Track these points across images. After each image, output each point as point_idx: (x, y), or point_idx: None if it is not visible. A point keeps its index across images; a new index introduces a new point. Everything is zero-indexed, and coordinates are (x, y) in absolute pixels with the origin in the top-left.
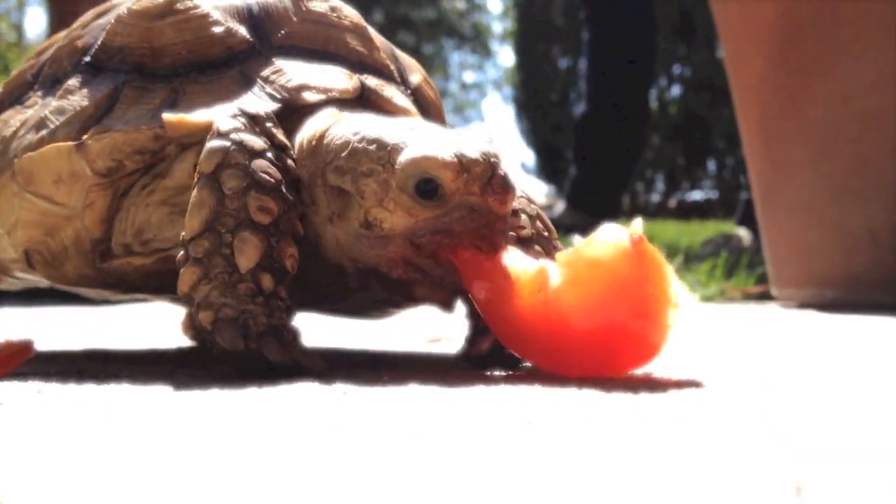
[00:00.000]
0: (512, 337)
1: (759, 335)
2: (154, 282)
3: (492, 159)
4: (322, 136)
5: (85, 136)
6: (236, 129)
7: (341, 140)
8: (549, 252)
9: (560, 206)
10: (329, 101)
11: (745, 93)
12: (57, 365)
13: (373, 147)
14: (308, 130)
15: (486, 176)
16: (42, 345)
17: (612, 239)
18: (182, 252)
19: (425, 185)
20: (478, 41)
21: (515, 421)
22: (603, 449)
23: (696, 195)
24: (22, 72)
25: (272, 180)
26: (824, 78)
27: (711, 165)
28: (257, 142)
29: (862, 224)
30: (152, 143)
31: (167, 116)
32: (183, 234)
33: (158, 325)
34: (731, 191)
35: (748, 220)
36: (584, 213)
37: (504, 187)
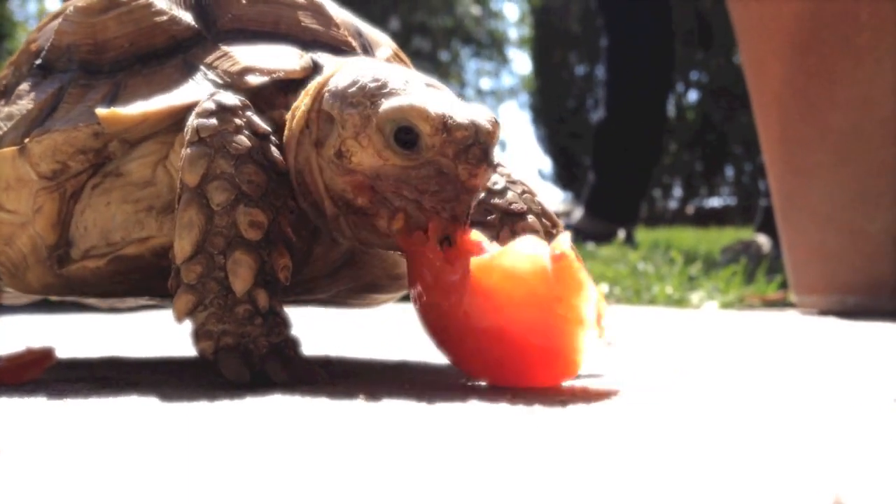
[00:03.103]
0: (439, 339)
1: (779, 343)
2: (117, 283)
3: (481, 131)
4: (331, 75)
5: (26, 140)
6: (217, 130)
7: (349, 73)
8: None
9: (578, 213)
10: (276, 82)
11: (764, 98)
12: (77, 372)
13: (372, 84)
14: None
15: (465, 142)
16: (62, 352)
17: (530, 252)
18: (173, 274)
19: (404, 133)
20: (494, 48)
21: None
22: (636, 465)
23: (714, 202)
24: None
25: (260, 188)
26: (844, 82)
27: (729, 172)
28: (242, 141)
29: (884, 229)
30: (93, 140)
31: (100, 112)
32: (172, 254)
33: (177, 331)
34: (750, 197)
35: (767, 226)
36: (602, 219)
37: (479, 160)
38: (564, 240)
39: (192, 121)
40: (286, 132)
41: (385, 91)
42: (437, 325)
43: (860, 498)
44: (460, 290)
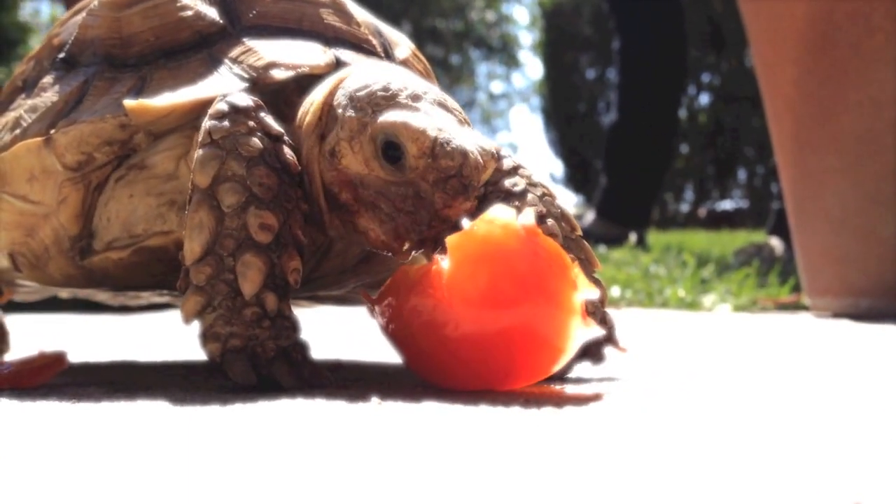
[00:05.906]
0: (398, 342)
1: (793, 346)
2: (138, 275)
3: (468, 165)
4: (351, 73)
5: (52, 131)
6: (229, 132)
7: (364, 76)
8: (583, 259)
9: (590, 217)
10: (299, 83)
11: (776, 100)
12: (89, 376)
13: (381, 92)
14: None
15: (448, 172)
16: (74, 356)
17: (502, 217)
18: (182, 275)
19: (391, 149)
20: (505, 52)
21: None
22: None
23: (726, 204)
24: (14, 78)
25: (272, 190)
26: (857, 85)
27: (741, 174)
28: (254, 143)
29: None
30: (119, 132)
31: (128, 103)
32: (181, 255)
33: (187, 333)
34: (762, 200)
35: (780, 229)
36: (614, 222)
37: (457, 192)
38: (529, 216)
39: (205, 122)
40: (303, 122)
41: (391, 102)
42: (409, 337)
43: (880, 503)
44: (433, 294)
